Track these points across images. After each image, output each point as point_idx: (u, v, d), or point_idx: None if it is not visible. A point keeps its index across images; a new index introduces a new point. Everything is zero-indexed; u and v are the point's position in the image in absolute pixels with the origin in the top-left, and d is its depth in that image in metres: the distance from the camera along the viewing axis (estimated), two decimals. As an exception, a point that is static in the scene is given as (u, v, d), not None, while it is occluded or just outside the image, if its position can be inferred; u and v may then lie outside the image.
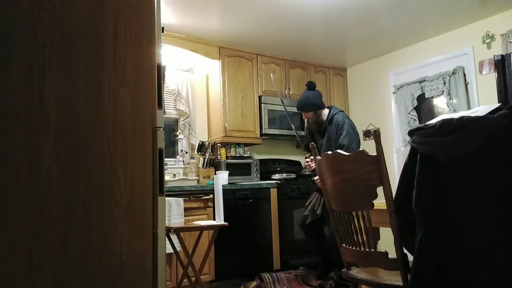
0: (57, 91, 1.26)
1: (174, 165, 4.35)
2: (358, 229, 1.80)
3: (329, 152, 1.89)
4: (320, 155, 3.34)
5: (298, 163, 5.07)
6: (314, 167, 3.32)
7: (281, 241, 4.13)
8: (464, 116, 1.37)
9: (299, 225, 3.66)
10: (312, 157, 3.36)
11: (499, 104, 1.51)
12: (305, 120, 3.72)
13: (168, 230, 2.72)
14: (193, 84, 4.51)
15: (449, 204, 1.38)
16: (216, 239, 2.96)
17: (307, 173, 4.81)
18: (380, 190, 1.66)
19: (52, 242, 1.20)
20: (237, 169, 4.27)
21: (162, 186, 1.43)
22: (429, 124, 1.48)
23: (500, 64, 2.98)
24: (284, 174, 4.60)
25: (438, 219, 1.41)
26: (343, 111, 3.52)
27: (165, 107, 3.59)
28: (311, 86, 3.50)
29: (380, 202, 1.74)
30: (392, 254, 1.65)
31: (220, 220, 2.92)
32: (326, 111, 3.44)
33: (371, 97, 5.18)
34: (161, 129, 1.46)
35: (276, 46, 4.59)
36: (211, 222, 3.03)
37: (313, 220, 3.38)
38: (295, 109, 3.71)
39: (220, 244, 3.59)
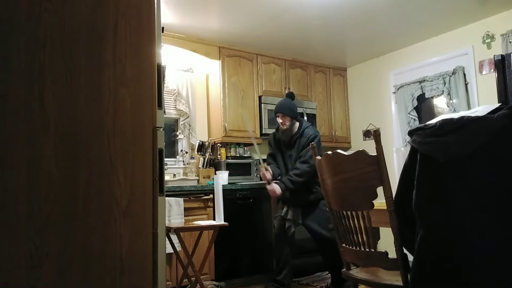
0: (57, 91, 1.26)
1: (174, 165, 4.35)
2: (358, 229, 1.80)
3: (329, 152, 1.89)
4: (286, 167, 3.42)
5: (298, 163, 5.06)
6: (269, 177, 3.39)
7: (281, 241, 4.11)
8: (464, 116, 1.37)
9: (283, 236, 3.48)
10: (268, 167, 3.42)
11: (499, 104, 1.51)
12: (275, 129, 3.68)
13: (168, 230, 2.72)
14: (193, 84, 4.51)
15: (449, 204, 1.38)
16: (216, 239, 2.97)
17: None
18: (380, 190, 1.66)
19: (52, 242, 1.20)
20: (237, 169, 4.27)
21: (162, 186, 1.43)
22: (429, 124, 1.48)
23: (500, 64, 2.99)
24: (284, 174, 4.58)
25: (438, 219, 1.41)
26: (312, 125, 3.59)
27: (165, 107, 3.58)
28: (292, 96, 3.58)
29: (380, 202, 1.74)
30: (392, 254, 1.65)
31: (220, 220, 2.92)
32: (297, 124, 3.49)
33: (371, 97, 5.18)
34: (161, 129, 1.46)
35: (276, 46, 4.59)
36: (211, 222, 3.03)
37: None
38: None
39: (220, 244, 3.59)
